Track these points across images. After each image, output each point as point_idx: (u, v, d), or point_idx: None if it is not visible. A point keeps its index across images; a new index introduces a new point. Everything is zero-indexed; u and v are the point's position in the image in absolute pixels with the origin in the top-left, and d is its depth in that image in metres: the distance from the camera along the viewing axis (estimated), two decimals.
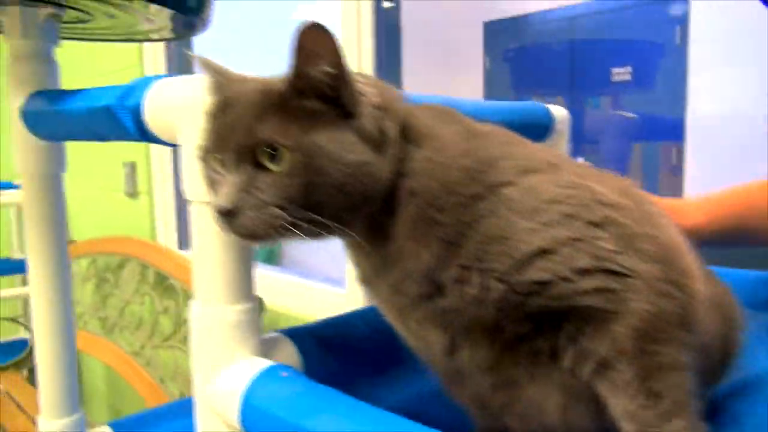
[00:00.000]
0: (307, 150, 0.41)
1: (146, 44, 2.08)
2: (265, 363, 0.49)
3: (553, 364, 0.45)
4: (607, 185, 0.46)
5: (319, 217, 0.41)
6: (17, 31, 0.71)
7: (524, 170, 0.45)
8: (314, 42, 0.40)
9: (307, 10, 2.41)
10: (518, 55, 2.35)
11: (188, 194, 0.50)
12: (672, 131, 1.77)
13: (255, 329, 0.52)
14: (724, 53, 2.02)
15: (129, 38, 0.89)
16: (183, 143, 0.48)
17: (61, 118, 0.65)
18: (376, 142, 0.43)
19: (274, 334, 0.57)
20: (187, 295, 1.88)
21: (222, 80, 0.46)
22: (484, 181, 0.44)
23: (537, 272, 0.42)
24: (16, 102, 0.72)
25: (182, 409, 0.86)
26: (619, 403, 0.42)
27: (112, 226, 2.29)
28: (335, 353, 0.60)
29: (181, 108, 0.48)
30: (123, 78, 0.63)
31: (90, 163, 2.10)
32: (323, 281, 1.79)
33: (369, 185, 0.43)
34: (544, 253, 0.42)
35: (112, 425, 0.82)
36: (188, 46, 2.03)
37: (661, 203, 0.49)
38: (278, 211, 0.41)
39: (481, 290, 0.43)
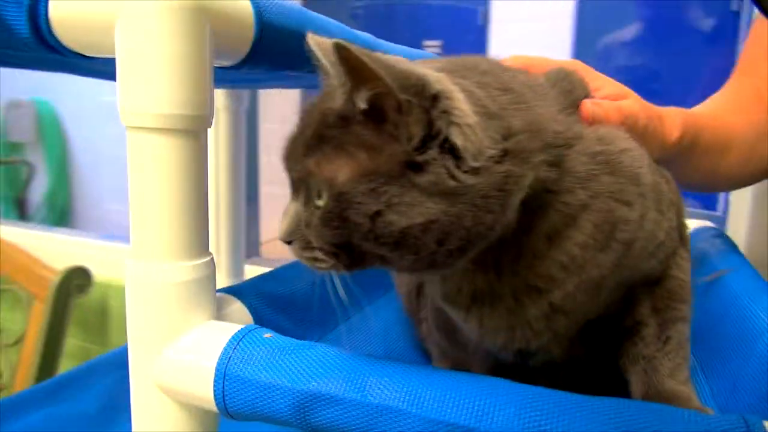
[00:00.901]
0: (340, 199, 0.33)
1: None
2: (236, 326, 0.41)
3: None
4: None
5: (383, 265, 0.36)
6: None
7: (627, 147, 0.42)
8: (354, 59, 0.30)
9: None
10: (349, 15, 2.40)
11: (123, 118, 0.38)
12: None
13: (212, 289, 0.43)
14: (522, 36, 2.27)
15: None
16: (121, 53, 0.36)
17: None
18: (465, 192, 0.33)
19: (219, 295, 0.48)
20: None
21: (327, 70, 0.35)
22: (643, 160, 0.41)
23: (651, 262, 0.43)
24: None
25: (25, 403, 0.72)
26: (638, 350, 0.45)
27: None
28: (282, 310, 0.53)
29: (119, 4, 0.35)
30: None
31: None
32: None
33: (455, 242, 0.34)
34: (661, 244, 0.43)
35: None
36: None
37: (650, 110, 0.49)
38: (321, 255, 0.35)
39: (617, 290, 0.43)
